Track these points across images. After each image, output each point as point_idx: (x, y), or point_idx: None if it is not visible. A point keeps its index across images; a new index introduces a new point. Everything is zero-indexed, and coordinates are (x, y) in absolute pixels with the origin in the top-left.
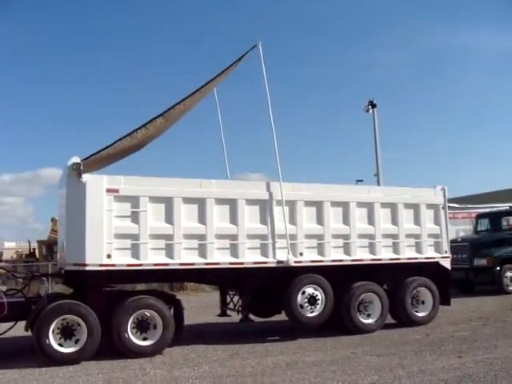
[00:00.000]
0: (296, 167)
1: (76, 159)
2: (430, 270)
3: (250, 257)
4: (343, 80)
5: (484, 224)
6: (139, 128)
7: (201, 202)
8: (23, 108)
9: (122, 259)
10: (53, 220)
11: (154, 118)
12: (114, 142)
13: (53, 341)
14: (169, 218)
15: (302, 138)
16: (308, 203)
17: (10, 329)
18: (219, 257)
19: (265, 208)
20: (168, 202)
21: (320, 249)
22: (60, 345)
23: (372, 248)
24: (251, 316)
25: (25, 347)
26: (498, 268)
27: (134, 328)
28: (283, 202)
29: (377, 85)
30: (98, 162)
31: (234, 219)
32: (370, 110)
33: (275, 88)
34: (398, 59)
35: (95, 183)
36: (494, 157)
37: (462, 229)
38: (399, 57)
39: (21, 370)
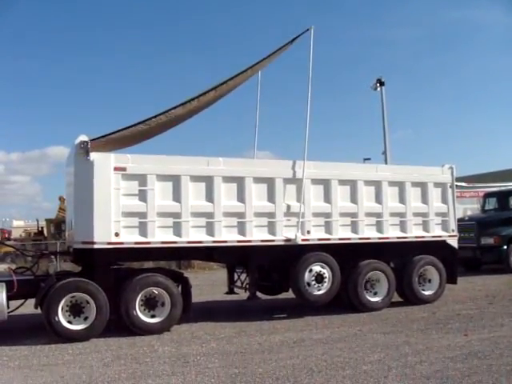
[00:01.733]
0: (299, 145)
1: (84, 137)
2: (436, 248)
3: (257, 235)
4: (353, 58)
5: (491, 203)
6: (171, 109)
7: (208, 180)
8: (31, 86)
9: (129, 237)
10: (61, 199)
11: (206, 92)
12: (133, 125)
13: (62, 318)
14: (176, 196)
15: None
16: (316, 181)
17: (19, 306)
18: (227, 235)
19: (272, 186)
20: (176, 180)
21: (327, 227)
22: (69, 322)
23: (379, 226)
24: (258, 294)
25: (34, 324)
26: (505, 247)
27: (142, 305)
28: (304, 179)
29: (388, 62)
30: (111, 143)
31: (241, 197)
32: (378, 88)
33: (281, 64)
34: (410, 36)
35: (103, 162)
36: (503, 135)
37: (470, 207)
38: (412, 33)
39: (31, 347)
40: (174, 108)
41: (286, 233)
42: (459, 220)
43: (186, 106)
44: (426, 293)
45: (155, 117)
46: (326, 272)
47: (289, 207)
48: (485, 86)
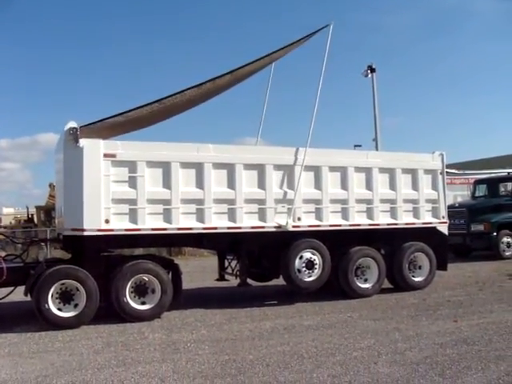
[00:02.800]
0: (293, 132)
1: (73, 124)
2: (427, 235)
3: (247, 221)
4: (347, 44)
5: (482, 190)
6: (170, 96)
7: (198, 167)
8: (20, 72)
9: (119, 224)
10: (51, 186)
11: (222, 75)
12: (129, 111)
13: (52, 305)
14: (166, 183)
15: (300, 103)
16: (306, 168)
17: (9, 294)
18: (217, 221)
19: (263, 173)
20: (165, 166)
21: (318, 214)
22: (59, 309)
23: (370, 213)
24: (249, 280)
25: (24, 312)
26: (495, 233)
27: (132, 292)
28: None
29: (382, 48)
30: (104, 129)
31: (231, 184)
32: (369, 75)
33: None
34: (404, 22)
35: (92, 148)
36: (495, 122)
37: (460, 194)
38: (406, 19)
39: (21, 334)
40: (190, 89)
41: (276, 219)
42: (449, 207)
43: (202, 87)
44: (417, 279)
45: (170, 96)
46: (317, 258)
47: (279, 194)
48: (478, 72)
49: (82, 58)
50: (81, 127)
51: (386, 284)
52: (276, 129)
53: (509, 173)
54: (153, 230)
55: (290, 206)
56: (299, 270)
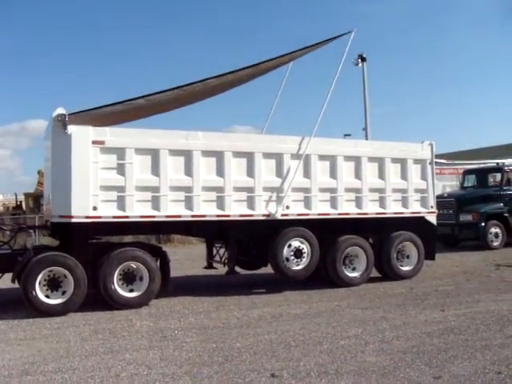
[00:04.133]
0: (283, 120)
1: (61, 110)
2: (415, 224)
3: (236, 209)
4: (335, 32)
5: (471, 180)
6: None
7: (187, 154)
8: (8, 58)
9: (108, 211)
10: (39, 172)
11: (244, 68)
12: (127, 100)
13: (39, 292)
14: (155, 170)
15: (292, 91)
16: (295, 156)
17: None
18: (205, 209)
19: (252, 160)
20: (154, 153)
21: (307, 202)
22: (47, 296)
23: (358, 202)
24: (237, 268)
25: (12, 299)
26: (483, 224)
27: (120, 280)
28: (299, 155)
29: (371, 37)
30: (101, 118)
31: (220, 172)
32: (360, 64)
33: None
34: (395, 11)
35: (81, 135)
36: (485, 114)
37: (449, 184)
38: (395, 8)
39: (8, 321)
40: (211, 78)
41: (264, 208)
42: (438, 197)
43: (223, 78)
44: (405, 268)
45: (192, 84)
46: (305, 247)
47: (267, 182)
48: (470, 62)
49: (74, 44)
50: (69, 114)
51: (374, 273)
52: (280, 122)
53: (497, 163)
54: (141, 217)
55: (278, 195)
56: (287, 259)
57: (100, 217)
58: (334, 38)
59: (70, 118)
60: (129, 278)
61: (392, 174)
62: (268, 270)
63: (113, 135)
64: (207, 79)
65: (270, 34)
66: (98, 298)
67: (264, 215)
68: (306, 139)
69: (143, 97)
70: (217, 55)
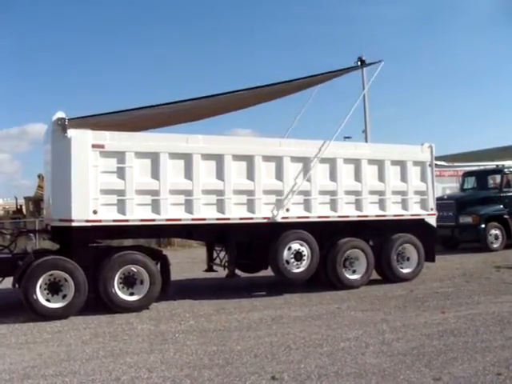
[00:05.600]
0: (283, 123)
1: (61, 114)
2: (415, 226)
3: (236, 212)
4: (339, 36)
5: (470, 182)
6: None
7: (187, 158)
8: (8, 62)
9: (108, 215)
10: (40, 176)
11: (279, 83)
12: (130, 110)
13: (40, 296)
14: (155, 174)
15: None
16: (295, 159)
17: None
18: (206, 212)
19: (252, 164)
20: (154, 157)
21: (306, 205)
22: (47, 300)
23: (358, 204)
24: (237, 271)
25: (13, 303)
26: (483, 226)
27: (120, 283)
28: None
29: (372, 41)
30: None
31: (220, 175)
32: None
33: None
34: (397, 14)
35: (80, 139)
36: (485, 115)
37: (449, 187)
38: (398, 12)
39: (9, 325)
40: (244, 90)
41: (265, 211)
42: (438, 199)
43: (257, 90)
44: (405, 271)
45: (221, 94)
46: (305, 250)
47: (267, 185)
48: (469, 65)
49: (73, 48)
50: (69, 119)
51: (375, 275)
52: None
53: (497, 165)
54: (141, 220)
55: (278, 198)
56: (287, 261)
57: (100, 220)
58: (363, 66)
59: (69, 122)
60: (129, 282)
61: (392, 177)
62: (268, 272)
63: (112, 139)
64: (239, 90)
65: (271, 36)
66: (98, 302)
67: (264, 218)
68: (305, 142)
69: (152, 106)
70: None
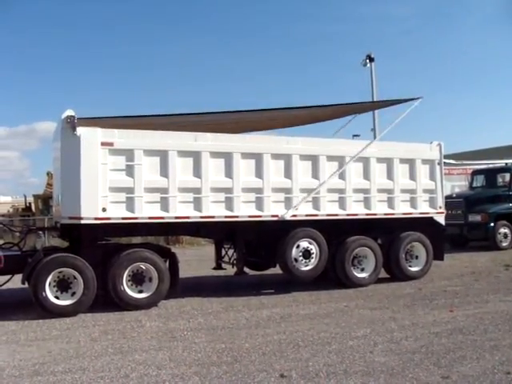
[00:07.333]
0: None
1: (70, 112)
2: (424, 225)
3: (245, 210)
4: (346, 35)
5: (479, 180)
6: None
7: (196, 156)
8: (17, 60)
9: (117, 212)
10: (48, 174)
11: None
12: (142, 116)
13: (49, 293)
14: (164, 172)
15: (303, 91)
16: (304, 157)
17: (6, 282)
18: (214, 210)
19: (260, 162)
20: (163, 155)
21: (315, 203)
22: (56, 297)
23: (367, 203)
24: (246, 269)
25: (22, 300)
26: (492, 224)
27: (129, 281)
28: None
29: (380, 39)
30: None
31: (229, 173)
32: (368, 64)
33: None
34: (402, 13)
35: (89, 136)
36: (493, 113)
37: (458, 185)
38: (404, 10)
39: (18, 322)
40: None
41: (273, 209)
42: (447, 197)
43: (286, 111)
44: (413, 269)
45: (232, 112)
46: (314, 248)
47: (276, 183)
48: (478, 63)
49: (82, 47)
50: (79, 119)
51: (383, 274)
52: None
53: (506, 163)
54: (150, 218)
55: (287, 195)
56: (296, 259)
57: (109, 218)
58: (404, 100)
59: (78, 121)
60: (138, 279)
61: (400, 175)
62: (276, 270)
63: (121, 137)
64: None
65: (283, 35)
66: (107, 299)
67: (273, 216)
68: (313, 140)
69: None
70: (216, 54)
